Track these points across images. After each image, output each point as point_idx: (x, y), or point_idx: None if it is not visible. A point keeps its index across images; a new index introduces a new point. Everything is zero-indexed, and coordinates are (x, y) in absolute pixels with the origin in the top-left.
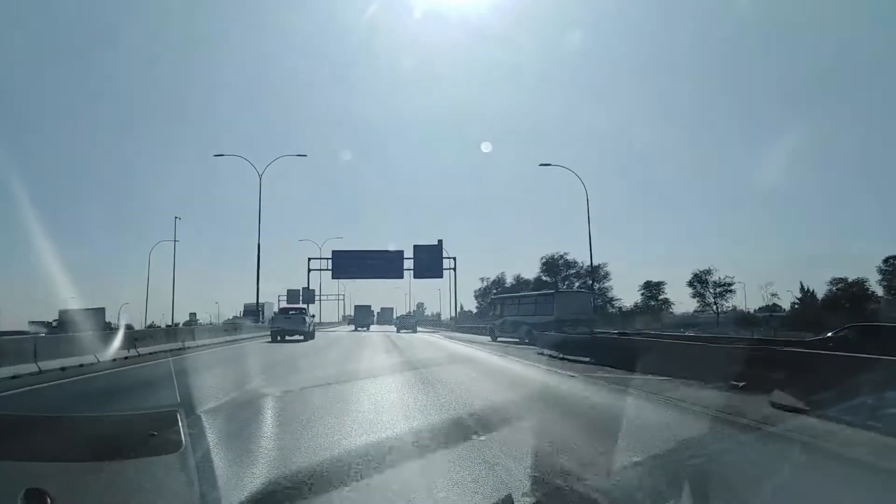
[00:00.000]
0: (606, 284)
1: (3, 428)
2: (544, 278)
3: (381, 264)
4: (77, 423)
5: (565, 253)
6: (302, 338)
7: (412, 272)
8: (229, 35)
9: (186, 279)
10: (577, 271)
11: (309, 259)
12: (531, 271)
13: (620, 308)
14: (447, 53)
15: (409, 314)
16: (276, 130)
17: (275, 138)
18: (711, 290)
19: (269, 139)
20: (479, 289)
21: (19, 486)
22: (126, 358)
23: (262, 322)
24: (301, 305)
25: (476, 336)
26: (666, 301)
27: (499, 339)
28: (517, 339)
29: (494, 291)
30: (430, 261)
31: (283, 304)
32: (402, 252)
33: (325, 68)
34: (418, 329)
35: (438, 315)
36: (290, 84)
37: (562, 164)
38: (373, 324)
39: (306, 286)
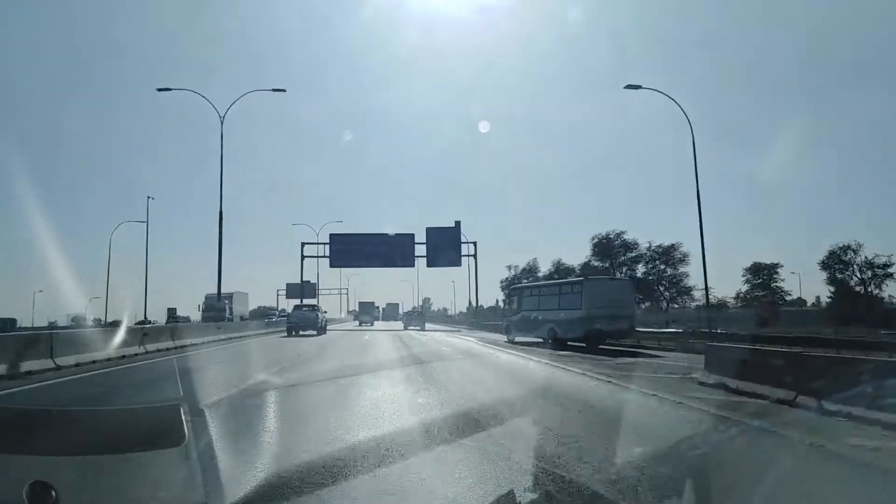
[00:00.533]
0: (682, 270)
1: (6, 421)
2: (594, 263)
3: (388, 250)
4: (81, 416)
5: (622, 232)
6: (315, 332)
7: (425, 260)
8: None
9: (164, 269)
10: (641, 254)
11: (303, 244)
12: (577, 256)
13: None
14: (451, 27)
15: (416, 310)
16: (275, 109)
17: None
18: (859, 275)
19: (266, 117)
20: (506, 279)
21: (24, 478)
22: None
23: (230, 318)
24: (314, 302)
25: (497, 335)
26: (780, 290)
27: (516, 339)
28: (540, 340)
29: (525, 281)
30: (445, 246)
31: (283, 300)
32: (412, 236)
33: (328, 49)
34: (427, 326)
35: (445, 310)
36: (288, 64)
37: (653, 88)
38: (377, 320)
39: (302, 277)
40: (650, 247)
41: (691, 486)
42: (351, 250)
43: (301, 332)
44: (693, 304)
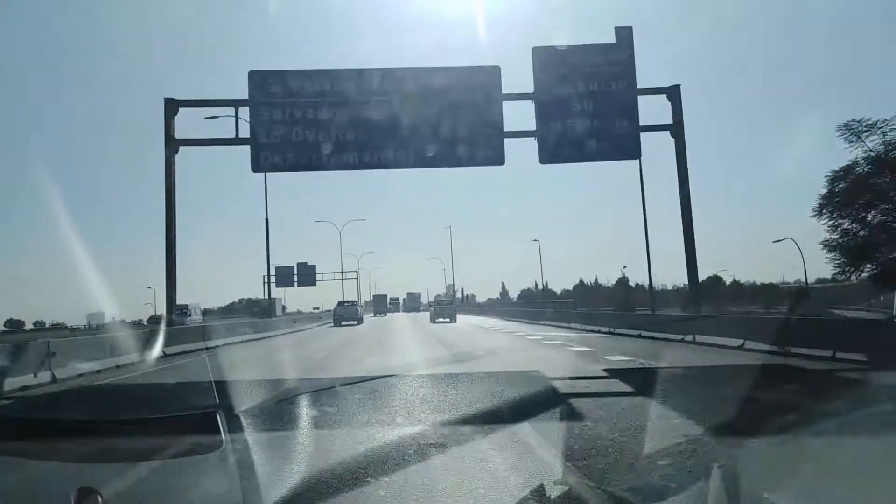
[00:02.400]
0: None
1: (54, 430)
2: None
3: (430, 117)
4: (123, 425)
5: None
6: (356, 323)
7: (536, 145)
8: None
9: None
10: None
11: (168, 103)
12: None
13: None
14: None
15: (441, 298)
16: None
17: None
18: None
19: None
20: (838, 171)
21: (71, 485)
22: None
23: None
24: (353, 299)
25: None
26: None
27: None
28: None
29: None
30: (595, 99)
31: (273, 286)
32: (495, 71)
33: None
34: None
35: (473, 297)
36: None
37: None
38: (392, 311)
39: (171, 190)
40: None
41: None
42: (314, 123)
43: (343, 323)
44: None
